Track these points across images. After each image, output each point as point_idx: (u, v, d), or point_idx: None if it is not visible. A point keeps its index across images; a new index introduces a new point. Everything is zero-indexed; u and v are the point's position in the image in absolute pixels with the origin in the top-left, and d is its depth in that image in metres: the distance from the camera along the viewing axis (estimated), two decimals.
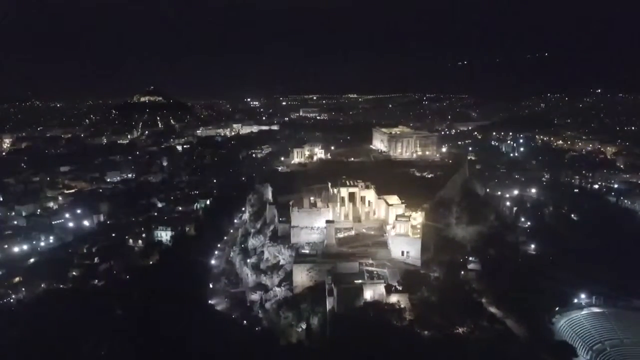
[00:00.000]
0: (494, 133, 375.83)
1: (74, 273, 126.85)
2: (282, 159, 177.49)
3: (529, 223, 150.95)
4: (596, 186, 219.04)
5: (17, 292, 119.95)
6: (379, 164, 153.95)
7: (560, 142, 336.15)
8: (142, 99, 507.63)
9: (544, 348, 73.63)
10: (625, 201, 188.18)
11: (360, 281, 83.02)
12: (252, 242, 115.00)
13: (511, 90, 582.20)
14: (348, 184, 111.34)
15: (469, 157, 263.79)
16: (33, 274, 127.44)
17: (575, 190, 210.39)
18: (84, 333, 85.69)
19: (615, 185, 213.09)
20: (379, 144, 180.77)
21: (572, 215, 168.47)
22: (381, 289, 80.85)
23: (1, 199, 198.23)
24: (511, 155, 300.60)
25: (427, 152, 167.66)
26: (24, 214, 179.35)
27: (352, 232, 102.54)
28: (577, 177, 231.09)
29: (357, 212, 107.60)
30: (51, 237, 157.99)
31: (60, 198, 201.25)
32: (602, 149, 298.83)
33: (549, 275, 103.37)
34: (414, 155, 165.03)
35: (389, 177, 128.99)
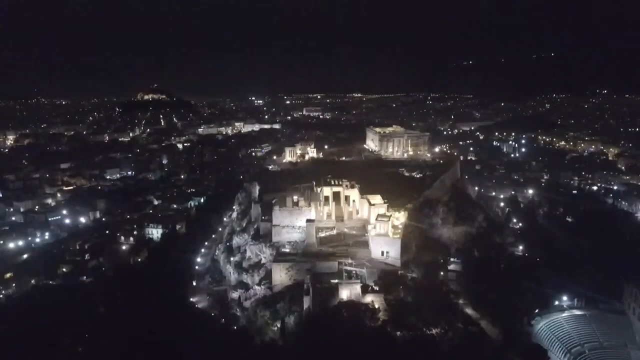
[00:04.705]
0: (497, 133, 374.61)
1: (64, 269, 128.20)
2: (275, 157, 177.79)
3: (520, 224, 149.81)
4: (595, 187, 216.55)
5: (8, 287, 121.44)
6: (369, 164, 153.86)
7: (563, 142, 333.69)
8: (146, 97, 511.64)
9: (515, 350, 73.14)
10: (623, 203, 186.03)
11: (336, 281, 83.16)
12: (236, 240, 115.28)
13: (516, 90, 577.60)
14: (333, 183, 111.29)
15: (469, 157, 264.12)
16: (25, 269, 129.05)
17: (574, 192, 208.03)
18: (64, 330, 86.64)
19: (615, 187, 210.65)
20: (371, 143, 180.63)
21: (567, 217, 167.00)
22: (357, 288, 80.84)
23: (0, 195, 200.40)
24: (512, 155, 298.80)
25: (418, 152, 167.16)
26: (21, 210, 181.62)
27: (334, 232, 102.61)
28: (576, 178, 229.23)
29: (341, 211, 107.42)
30: (47, 234, 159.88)
31: (58, 195, 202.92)
32: (604, 150, 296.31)
33: (533, 276, 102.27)
34: (405, 154, 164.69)
35: (378, 176, 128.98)
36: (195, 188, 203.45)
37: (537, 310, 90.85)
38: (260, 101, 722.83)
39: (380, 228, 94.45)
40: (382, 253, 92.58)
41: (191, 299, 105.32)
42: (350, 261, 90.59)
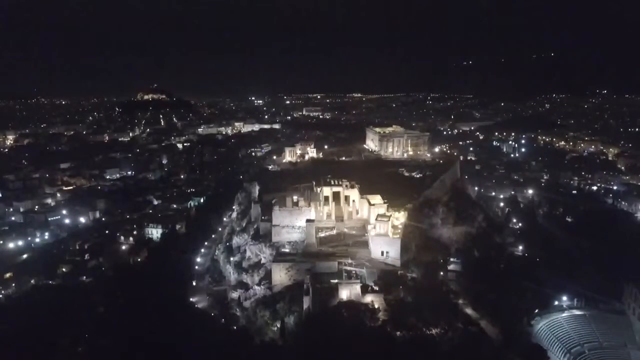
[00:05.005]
0: (496, 133, 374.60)
1: (63, 269, 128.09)
2: (275, 157, 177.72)
3: (520, 224, 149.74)
4: (595, 187, 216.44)
5: (7, 287, 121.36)
6: (369, 164, 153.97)
7: (563, 143, 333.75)
8: (146, 97, 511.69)
9: (515, 350, 73.13)
10: (623, 203, 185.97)
11: (336, 281, 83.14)
12: (236, 240, 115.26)
13: (516, 90, 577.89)
14: (332, 183, 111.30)
15: (469, 157, 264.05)
16: (24, 269, 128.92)
17: (574, 192, 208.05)
18: (64, 330, 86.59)
19: (615, 187, 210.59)
20: (370, 143, 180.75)
21: (567, 217, 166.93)
22: (357, 289, 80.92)
23: (0, 195, 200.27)
24: (512, 155, 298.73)
25: (418, 152, 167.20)
26: (21, 210, 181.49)
27: (334, 232, 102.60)
28: (576, 178, 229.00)
29: (341, 211, 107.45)
30: (46, 234, 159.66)
31: (58, 195, 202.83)
32: (604, 150, 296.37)
33: (533, 276, 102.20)
34: (405, 154, 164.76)
35: (378, 176, 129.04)
36: (195, 188, 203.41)
37: (537, 310, 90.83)
38: (260, 101, 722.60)
39: (380, 228, 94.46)
40: (382, 253, 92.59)
41: (191, 299, 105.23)
42: (350, 261, 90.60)
